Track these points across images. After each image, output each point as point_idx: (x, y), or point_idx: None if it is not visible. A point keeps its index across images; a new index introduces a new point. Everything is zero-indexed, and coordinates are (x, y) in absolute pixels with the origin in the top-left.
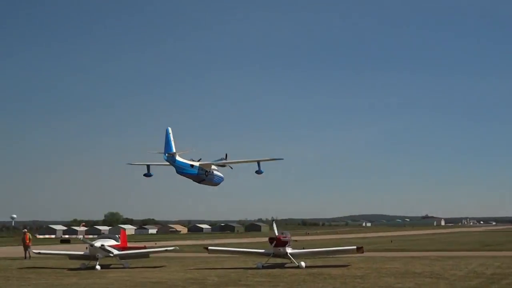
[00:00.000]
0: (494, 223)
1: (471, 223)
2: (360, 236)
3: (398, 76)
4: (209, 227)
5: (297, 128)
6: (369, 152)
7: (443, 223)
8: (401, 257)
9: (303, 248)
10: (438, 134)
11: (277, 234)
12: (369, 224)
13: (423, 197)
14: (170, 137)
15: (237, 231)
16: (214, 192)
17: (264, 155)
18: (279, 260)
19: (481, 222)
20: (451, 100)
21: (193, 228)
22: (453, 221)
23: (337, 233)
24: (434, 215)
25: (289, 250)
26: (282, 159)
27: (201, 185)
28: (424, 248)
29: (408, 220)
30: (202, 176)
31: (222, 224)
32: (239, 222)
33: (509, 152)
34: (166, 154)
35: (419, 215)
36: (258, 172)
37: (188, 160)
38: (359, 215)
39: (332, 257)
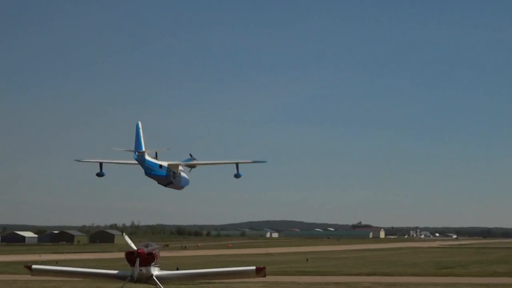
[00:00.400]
0: (454, 236)
1: (423, 236)
2: (262, 251)
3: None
4: (34, 235)
5: None
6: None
7: (382, 234)
8: (320, 284)
9: (177, 269)
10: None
11: (135, 247)
12: (275, 235)
13: (355, 199)
14: (140, 132)
15: (78, 241)
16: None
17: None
18: (140, 287)
19: (437, 234)
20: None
21: (10, 237)
22: (396, 232)
23: (228, 246)
24: (370, 224)
25: (155, 271)
26: (265, 161)
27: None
28: (353, 271)
29: (332, 229)
30: (170, 178)
31: (56, 232)
32: (81, 229)
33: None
34: (137, 153)
35: (349, 223)
36: (237, 175)
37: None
38: (261, 222)
39: (221, 283)
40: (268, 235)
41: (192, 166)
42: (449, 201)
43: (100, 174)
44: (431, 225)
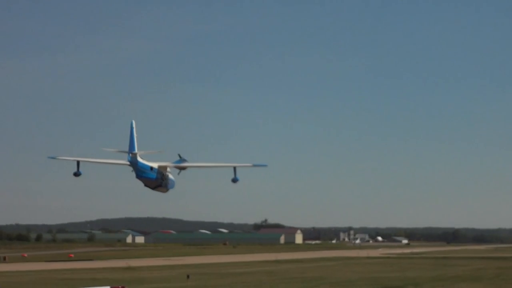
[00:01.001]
0: (405, 241)
1: (358, 240)
2: (120, 264)
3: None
4: None
5: None
6: None
7: (299, 238)
8: None
9: None
10: None
11: None
12: (140, 239)
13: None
14: (134, 132)
15: None
16: None
17: None
18: None
19: (379, 238)
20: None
21: None
22: (320, 235)
23: (70, 257)
24: (281, 223)
25: None
26: (266, 165)
27: None
28: None
29: (225, 231)
30: (159, 181)
31: None
32: None
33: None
34: (130, 155)
35: (250, 221)
36: (234, 180)
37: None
38: (119, 220)
39: None
40: (129, 239)
41: (182, 168)
42: (397, 192)
43: (76, 174)
44: (370, 224)
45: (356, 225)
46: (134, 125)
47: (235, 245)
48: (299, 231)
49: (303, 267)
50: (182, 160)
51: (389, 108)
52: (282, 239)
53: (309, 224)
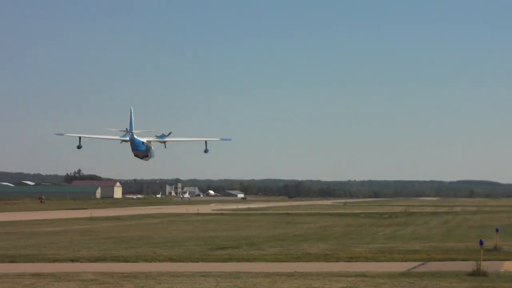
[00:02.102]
0: (241, 195)
1: (186, 194)
2: None
3: None
4: None
5: None
6: None
7: (118, 192)
8: (9, 275)
9: None
10: None
11: None
12: None
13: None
14: (132, 116)
15: None
16: None
17: None
18: None
19: (211, 192)
20: None
21: None
22: (142, 188)
23: None
24: (97, 174)
25: None
26: (229, 139)
27: None
28: (68, 254)
29: (32, 184)
30: (147, 152)
31: None
32: None
33: None
34: (131, 133)
35: (61, 172)
36: (206, 151)
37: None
38: None
39: None
40: None
41: (162, 142)
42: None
43: (79, 146)
44: (201, 176)
45: (184, 177)
46: (132, 110)
47: (42, 200)
48: (118, 184)
49: (122, 225)
50: (164, 135)
51: None
52: (98, 193)
53: (130, 176)
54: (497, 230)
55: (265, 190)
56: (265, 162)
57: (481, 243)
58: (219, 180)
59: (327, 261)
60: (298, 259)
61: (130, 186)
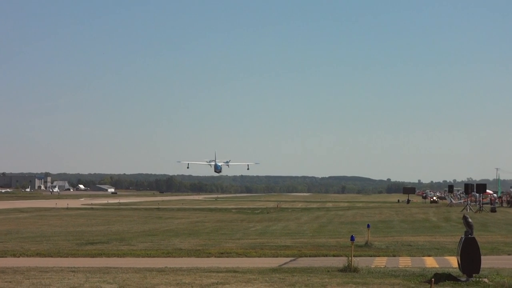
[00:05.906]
0: (112, 190)
1: (56, 188)
2: None
3: None
4: None
5: None
6: None
7: None
8: None
9: None
10: None
11: None
12: None
13: None
14: (215, 154)
15: None
16: None
17: None
18: None
19: (81, 186)
20: None
21: None
22: (11, 182)
23: None
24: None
25: None
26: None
27: None
28: None
29: None
30: (220, 170)
31: None
32: None
33: None
34: (216, 162)
35: None
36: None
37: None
38: None
39: None
40: None
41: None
42: (106, 136)
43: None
44: (71, 170)
45: (54, 171)
46: (216, 152)
47: None
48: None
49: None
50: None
51: None
52: None
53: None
54: (368, 226)
55: (136, 185)
56: (136, 156)
57: (352, 239)
58: (89, 174)
59: (198, 257)
60: (168, 254)
61: None
